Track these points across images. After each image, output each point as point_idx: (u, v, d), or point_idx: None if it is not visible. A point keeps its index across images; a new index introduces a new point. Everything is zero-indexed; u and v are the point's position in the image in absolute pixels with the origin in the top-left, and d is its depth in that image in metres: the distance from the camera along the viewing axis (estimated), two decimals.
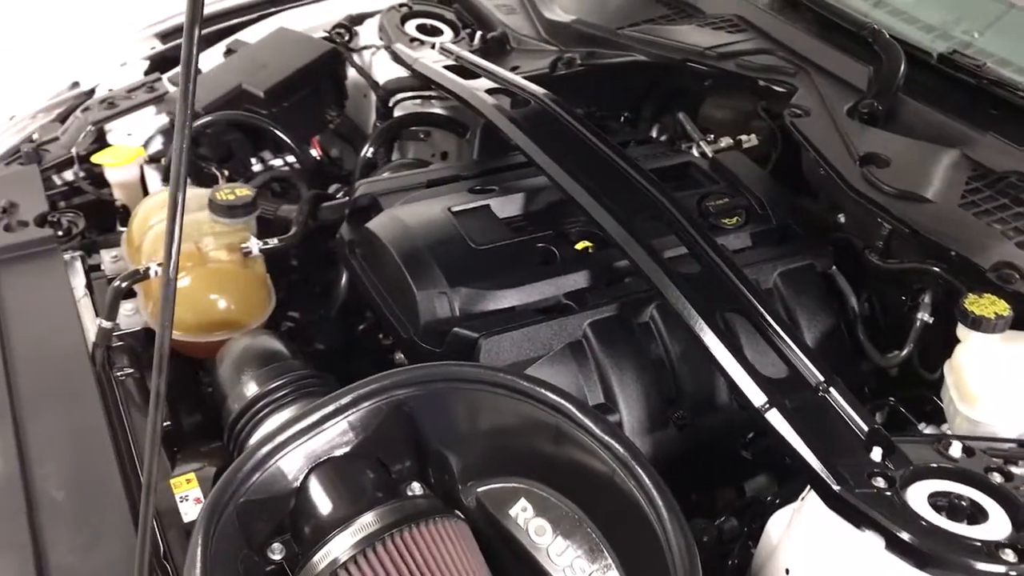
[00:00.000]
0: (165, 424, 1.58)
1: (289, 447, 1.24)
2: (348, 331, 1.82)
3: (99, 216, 2.02)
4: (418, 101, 2.19)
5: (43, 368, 1.56)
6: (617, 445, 1.18)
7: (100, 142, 2.10)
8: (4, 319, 1.65)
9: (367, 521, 1.17)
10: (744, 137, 1.90)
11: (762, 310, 1.36)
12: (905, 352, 1.55)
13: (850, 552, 1.13)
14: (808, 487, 1.22)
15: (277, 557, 1.21)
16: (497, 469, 1.28)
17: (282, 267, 1.88)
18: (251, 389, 1.38)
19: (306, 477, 1.25)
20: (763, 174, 1.80)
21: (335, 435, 1.26)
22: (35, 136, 2.16)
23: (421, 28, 2.35)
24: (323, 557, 1.16)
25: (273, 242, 1.70)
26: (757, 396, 1.25)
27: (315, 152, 2.22)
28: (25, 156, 2.05)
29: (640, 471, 1.15)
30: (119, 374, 1.57)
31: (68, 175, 2.09)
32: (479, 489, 1.28)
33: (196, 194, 1.78)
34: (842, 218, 1.73)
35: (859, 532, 1.13)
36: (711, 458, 1.51)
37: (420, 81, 2.11)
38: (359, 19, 2.41)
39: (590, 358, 1.45)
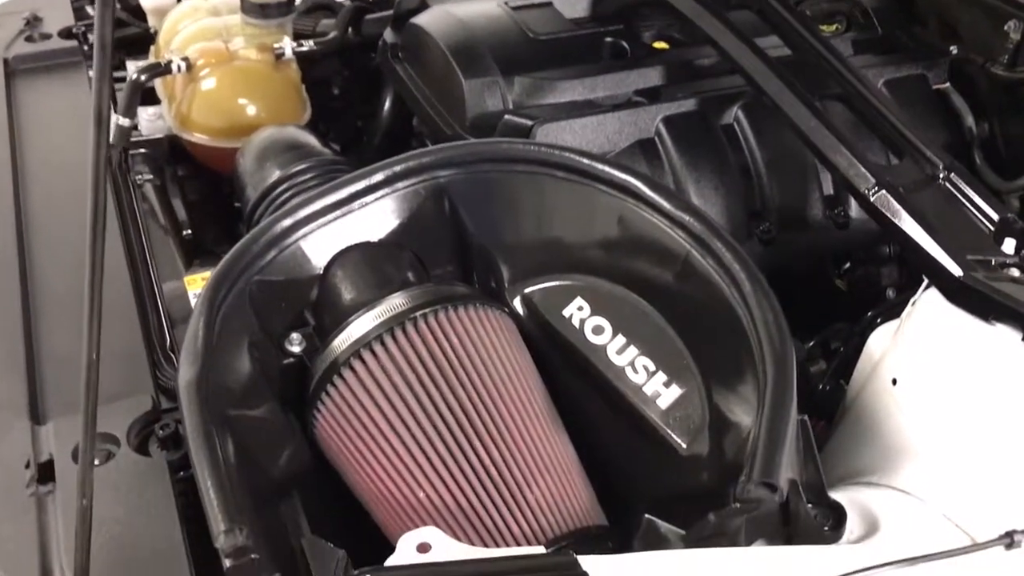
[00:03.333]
0: (185, 233, 1.44)
1: (311, 225, 1.07)
2: None
3: (131, 47, 1.87)
4: None
5: (55, 173, 1.42)
6: (692, 220, 0.99)
7: None
8: (19, 128, 1.52)
9: (396, 302, 1.01)
10: None
11: (867, 94, 1.15)
12: None
13: (975, 352, 0.94)
14: (922, 286, 1.02)
15: (296, 349, 1.05)
16: (550, 267, 1.10)
17: (323, 94, 1.72)
18: (273, 175, 1.22)
19: (330, 263, 1.08)
20: None
21: (365, 218, 1.10)
22: None
23: None
24: (344, 340, 1.00)
25: (309, 44, 1.53)
26: (863, 179, 1.05)
27: None
28: None
29: (719, 245, 0.96)
30: (137, 178, 1.42)
31: None
32: (527, 289, 1.11)
33: (231, 3, 1.63)
34: (954, 50, 1.50)
35: (988, 326, 0.93)
36: (801, 284, 1.31)
37: None
38: None
39: (663, 158, 1.26)
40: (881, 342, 1.08)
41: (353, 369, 0.98)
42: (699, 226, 0.98)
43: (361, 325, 1.00)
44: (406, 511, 0.94)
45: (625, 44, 1.37)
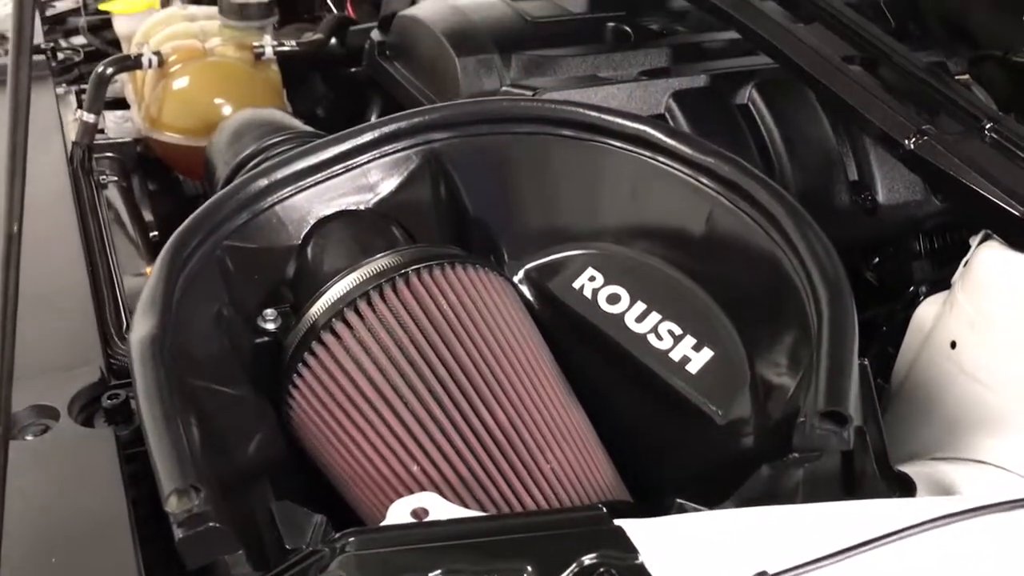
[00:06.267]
0: (152, 235, 1.31)
1: (290, 187, 0.96)
2: None
3: None
4: None
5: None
6: (719, 163, 0.88)
7: None
8: None
9: (383, 262, 0.88)
10: None
11: (894, 53, 1.06)
12: None
13: None
14: (975, 242, 0.92)
15: (270, 326, 0.92)
16: (556, 238, 0.99)
17: (308, 119, 1.63)
18: (247, 149, 1.10)
19: (310, 233, 0.96)
20: None
21: (350, 185, 0.98)
22: None
23: None
24: (323, 303, 0.86)
25: (291, 44, 1.44)
26: (903, 129, 0.95)
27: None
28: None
29: (752, 183, 0.85)
30: (101, 178, 1.30)
31: (75, 40, 1.87)
32: (530, 264, 0.99)
33: (210, 11, 1.55)
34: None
35: None
36: None
37: None
38: None
39: None
40: (930, 311, 0.96)
41: (335, 333, 0.84)
42: (727, 168, 0.87)
43: (342, 286, 0.87)
44: (399, 493, 0.79)
45: (628, 29, 1.29)
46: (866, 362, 0.75)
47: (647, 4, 1.39)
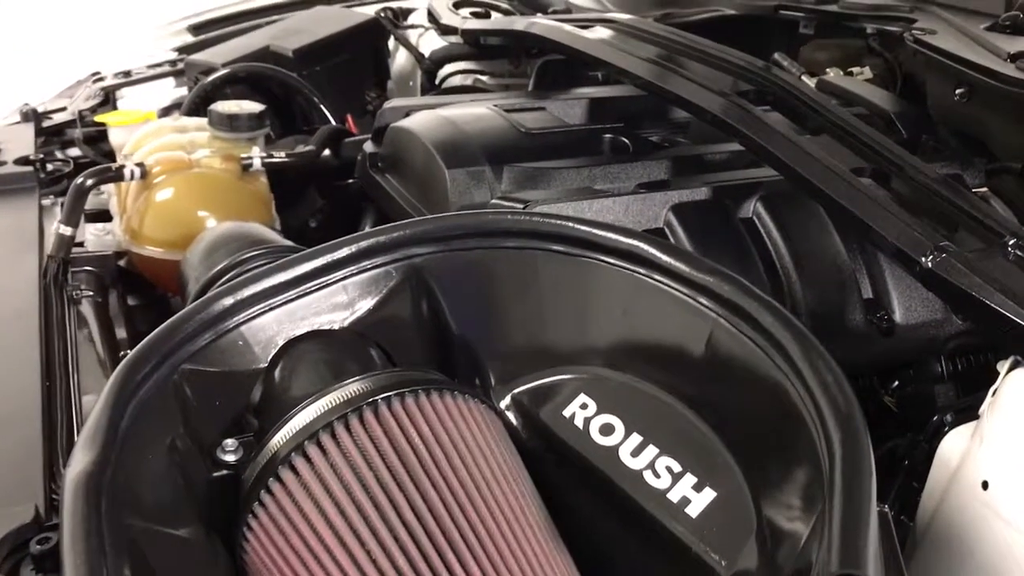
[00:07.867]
0: (123, 353, 1.24)
1: (257, 306, 0.89)
2: None
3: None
4: (468, 79, 1.93)
5: None
6: (719, 282, 0.81)
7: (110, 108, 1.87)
8: None
9: (353, 388, 0.80)
10: (856, 70, 1.58)
11: (912, 162, 1.00)
12: None
13: None
14: (1004, 370, 0.83)
15: (230, 458, 0.84)
16: (545, 361, 0.91)
17: (301, 229, 1.58)
18: (220, 263, 1.04)
19: (278, 355, 0.89)
20: (884, 91, 1.47)
21: (324, 302, 0.91)
22: (41, 109, 1.93)
23: (475, 16, 2.13)
24: (285, 434, 0.79)
25: (280, 156, 1.40)
26: (919, 245, 0.88)
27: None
28: (21, 116, 1.81)
29: (755, 305, 0.77)
30: (75, 293, 1.24)
31: (71, 152, 1.85)
32: (518, 389, 0.91)
33: (201, 122, 1.52)
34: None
35: None
36: None
37: (469, 48, 1.86)
38: (406, 12, 2.21)
39: None
40: (957, 446, 0.87)
41: (294, 469, 0.76)
42: (727, 287, 0.80)
43: (307, 414, 0.79)
44: None
45: (626, 140, 1.24)
46: (887, 508, 0.66)
47: (646, 115, 1.35)
